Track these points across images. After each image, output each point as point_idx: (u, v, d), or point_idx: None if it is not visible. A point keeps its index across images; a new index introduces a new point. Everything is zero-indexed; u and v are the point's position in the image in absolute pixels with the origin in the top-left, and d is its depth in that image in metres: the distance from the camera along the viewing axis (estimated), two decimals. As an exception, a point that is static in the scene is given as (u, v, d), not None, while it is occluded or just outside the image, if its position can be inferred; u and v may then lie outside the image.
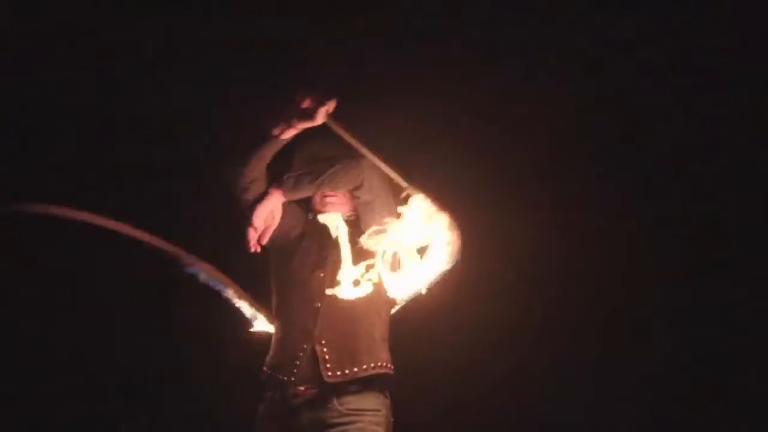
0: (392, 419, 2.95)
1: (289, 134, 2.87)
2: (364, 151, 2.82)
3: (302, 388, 2.89)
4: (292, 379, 2.90)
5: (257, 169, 2.95)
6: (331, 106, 2.80)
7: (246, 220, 2.96)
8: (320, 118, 2.80)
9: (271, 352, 3.02)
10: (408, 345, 3.10)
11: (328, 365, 2.89)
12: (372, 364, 2.93)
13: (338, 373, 2.89)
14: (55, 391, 3.71)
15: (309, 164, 3.01)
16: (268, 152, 2.93)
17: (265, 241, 3.00)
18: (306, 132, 2.88)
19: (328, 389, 2.88)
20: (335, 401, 2.86)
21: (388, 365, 2.98)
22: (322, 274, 2.98)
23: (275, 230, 3.03)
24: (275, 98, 2.91)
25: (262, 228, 2.97)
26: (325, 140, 2.97)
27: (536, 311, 3.74)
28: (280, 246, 3.08)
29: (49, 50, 3.64)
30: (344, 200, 3.09)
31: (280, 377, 2.93)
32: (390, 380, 2.97)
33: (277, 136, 2.87)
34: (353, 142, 2.82)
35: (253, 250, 2.97)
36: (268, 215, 2.98)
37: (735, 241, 3.67)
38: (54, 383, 3.72)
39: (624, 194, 3.76)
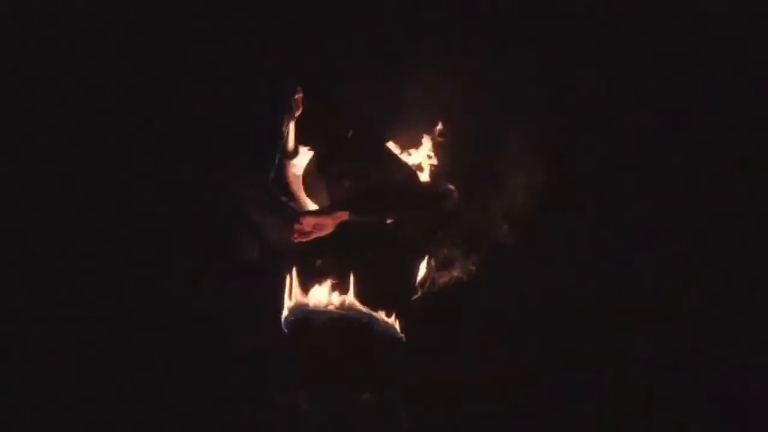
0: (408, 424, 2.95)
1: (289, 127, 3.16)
2: None
3: (317, 398, 2.90)
4: (307, 389, 2.91)
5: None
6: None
7: (294, 214, 3.03)
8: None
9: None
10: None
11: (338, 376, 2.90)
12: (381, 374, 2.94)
13: (346, 387, 2.90)
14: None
15: (381, 195, 3.07)
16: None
17: (305, 240, 3.01)
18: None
19: (342, 401, 2.89)
20: (346, 409, 2.87)
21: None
22: (332, 282, 2.96)
23: None
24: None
25: (308, 231, 3.00)
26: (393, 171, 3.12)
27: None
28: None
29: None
30: None
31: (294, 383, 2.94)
32: (401, 389, 2.98)
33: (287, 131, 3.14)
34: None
35: (296, 240, 3.00)
36: (318, 225, 2.99)
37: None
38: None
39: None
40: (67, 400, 3.65)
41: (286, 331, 3.01)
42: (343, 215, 3.00)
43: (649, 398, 3.64)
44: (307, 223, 2.98)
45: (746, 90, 3.68)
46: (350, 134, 3.16)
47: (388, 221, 3.05)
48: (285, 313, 3.00)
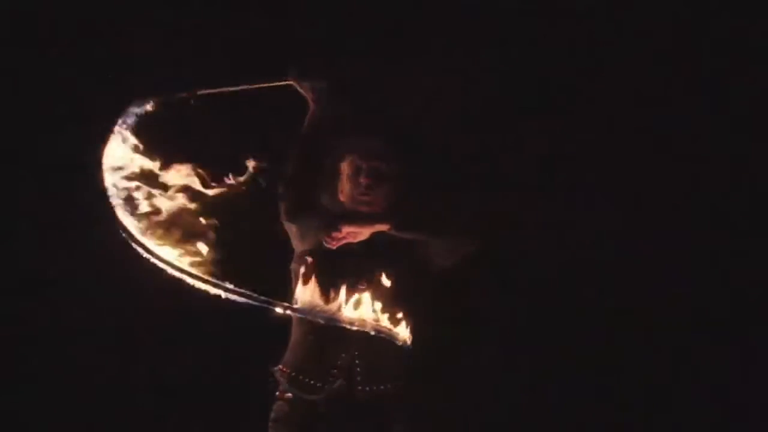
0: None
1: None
2: None
3: (334, 397, 2.88)
4: (324, 386, 2.88)
5: None
6: None
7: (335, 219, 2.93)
8: None
9: (295, 352, 2.97)
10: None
11: (359, 378, 2.88)
12: (399, 381, 2.92)
13: (367, 388, 2.88)
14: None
15: (429, 215, 3.00)
16: None
17: (336, 245, 2.93)
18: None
19: (360, 401, 2.88)
20: (365, 414, 2.87)
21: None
22: (363, 285, 2.87)
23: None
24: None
25: (341, 237, 2.92)
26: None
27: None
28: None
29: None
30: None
31: (310, 382, 2.89)
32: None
33: None
34: None
35: (330, 246, 2.91)
36: (353, 233, 2.91)
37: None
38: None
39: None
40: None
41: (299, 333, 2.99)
42: (383, 227, 2.91)
43: (650, 398, 3.67)
44: (344, 231, 2.89)
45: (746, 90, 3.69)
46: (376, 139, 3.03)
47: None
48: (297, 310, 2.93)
